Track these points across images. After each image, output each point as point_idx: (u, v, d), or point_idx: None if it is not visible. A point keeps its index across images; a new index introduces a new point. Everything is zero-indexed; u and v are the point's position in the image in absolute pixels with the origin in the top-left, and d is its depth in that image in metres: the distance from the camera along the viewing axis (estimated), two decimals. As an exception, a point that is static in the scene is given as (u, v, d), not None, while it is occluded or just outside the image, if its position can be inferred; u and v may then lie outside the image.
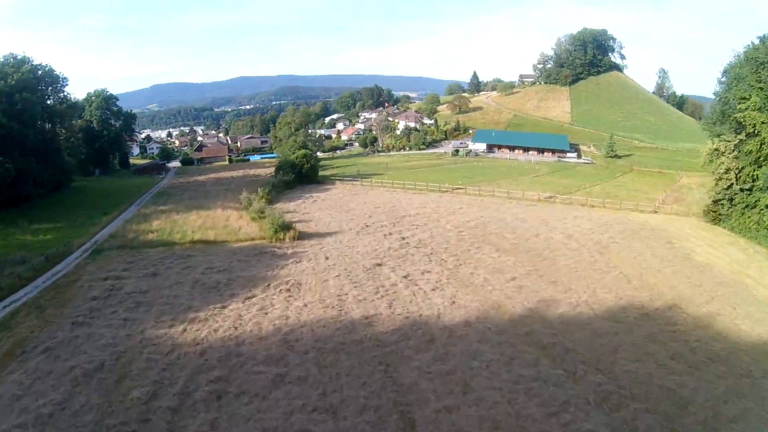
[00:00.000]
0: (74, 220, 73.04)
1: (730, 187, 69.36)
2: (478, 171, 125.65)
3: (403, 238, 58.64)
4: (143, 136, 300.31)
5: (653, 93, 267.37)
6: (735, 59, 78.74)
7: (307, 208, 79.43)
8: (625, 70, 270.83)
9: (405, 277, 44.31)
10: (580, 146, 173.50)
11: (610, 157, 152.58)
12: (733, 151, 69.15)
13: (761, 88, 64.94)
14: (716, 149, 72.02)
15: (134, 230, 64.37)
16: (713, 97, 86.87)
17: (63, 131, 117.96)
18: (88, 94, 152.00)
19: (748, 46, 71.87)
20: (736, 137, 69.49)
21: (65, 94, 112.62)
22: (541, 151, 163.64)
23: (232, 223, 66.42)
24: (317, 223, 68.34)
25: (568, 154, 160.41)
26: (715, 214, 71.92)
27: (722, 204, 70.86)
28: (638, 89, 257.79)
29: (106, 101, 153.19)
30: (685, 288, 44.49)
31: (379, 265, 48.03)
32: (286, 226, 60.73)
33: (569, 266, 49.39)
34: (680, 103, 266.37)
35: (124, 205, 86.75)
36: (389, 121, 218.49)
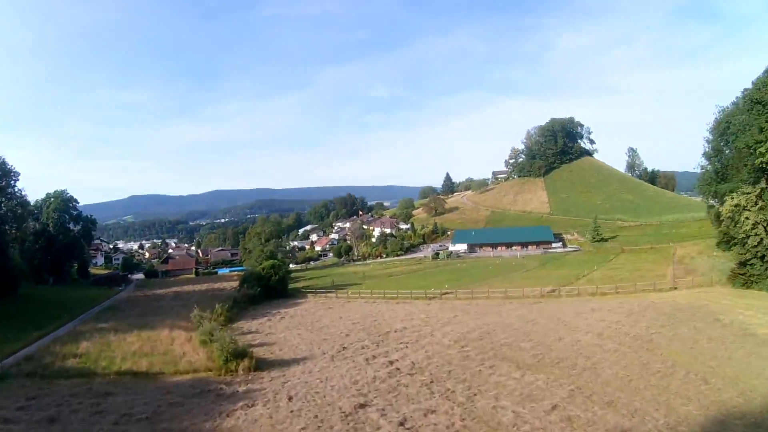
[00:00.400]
0: (1, 333, 60.02)
1: (759, 243, 63.77)
2: (463, 272, 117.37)
3: (392, 362, 44.30)
4: (111, 246, 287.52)
5: (625, 172, 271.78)
6: (721, 115, 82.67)
7: (273, 327, 66.06)
8: (595, 154, 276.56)
9: (402, 424, 29.43)
10: (564, 235, 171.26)
11: (597, 241, 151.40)
12: (757, 202, 64.69)
13: None
14: (737, 205, 66.80)
15: (56, 352, 50.56)
16: (700, 163, 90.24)
17: (13, 232, 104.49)
18: (46, 194, 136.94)
19: (745, 90, 71.46)
20: (755, 187, 65.53)
21: (16, 190, 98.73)
22: (524, 245, 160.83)
23: (177, 348, 52.07)
24: (282, 346, 54.57)
25: (553, 245, 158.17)
26: (744, 277, 66.26)
27: (752, 264, 65.17)
28: (611, 170, 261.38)
29: (65, 203, 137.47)
30: None
31: (362, 405, 33.21)
32: (240, 354, 46.52)
33: (619, 376, 36.60)
34: (652, 178, 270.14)
35: (65, 319, 73.61)
36: (364, 229, 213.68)
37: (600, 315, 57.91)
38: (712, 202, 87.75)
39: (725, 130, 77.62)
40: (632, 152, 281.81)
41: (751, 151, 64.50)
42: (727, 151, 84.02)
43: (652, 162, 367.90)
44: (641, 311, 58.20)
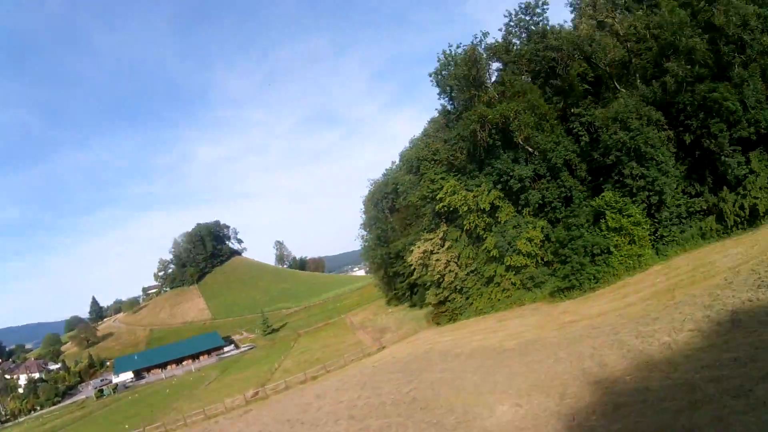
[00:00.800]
0: None
1: (455, 278, 67.54)
2: (140, 404, 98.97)
3: None
4: None
5: (276, 264, 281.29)
6: (374, 187, 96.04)
7: None
8: (245, 253, 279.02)
9: None
10: (233, 336, 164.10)
11: (269, 333, 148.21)
12: (443, 244, 68.59)
13: (443, 178, 67.52)
14: (425, 251, 70.12)
15: None
16: (360, 233, 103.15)
17: None
18: None
19: (394, 162, 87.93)
20: (438, 232, 69.36)
21: None
22: (196, 357, 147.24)
23: None
24: None
25: (226, 348, 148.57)
26: (448, 313, 69.23)
27: (452, 299, 68.71)
28: (263, 265, 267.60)
29: None
30: (590, 362, 33.72)
31: None
32: None
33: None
34: (302, 264, 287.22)
35: None
36: (7, 379, 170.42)
37: (332, 398, 50.16)
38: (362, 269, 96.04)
39: (393, 190, 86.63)
40: (279, 245, 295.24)
41: (428, 200, 69.03)
42: (379, 216, 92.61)
43: (300, 251, 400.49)
44: (372, 378, 52.85)
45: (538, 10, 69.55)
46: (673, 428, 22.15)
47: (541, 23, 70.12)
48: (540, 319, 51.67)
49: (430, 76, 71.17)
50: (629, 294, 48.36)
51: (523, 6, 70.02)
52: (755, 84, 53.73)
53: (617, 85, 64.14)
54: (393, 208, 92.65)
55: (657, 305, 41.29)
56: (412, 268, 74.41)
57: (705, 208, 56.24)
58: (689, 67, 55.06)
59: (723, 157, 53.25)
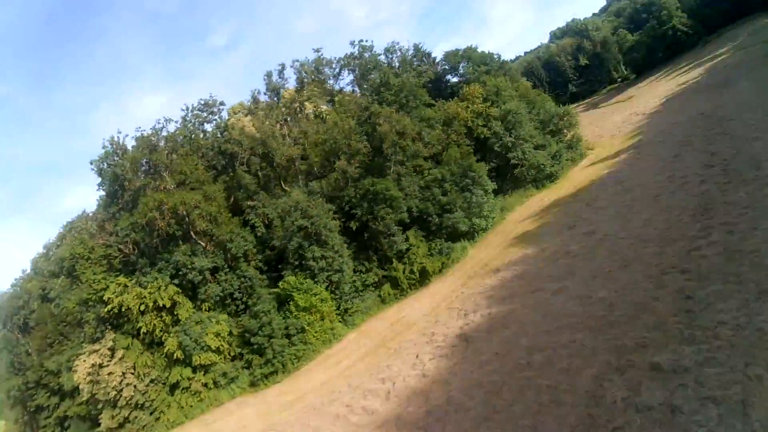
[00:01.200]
0: None
1: (135, 390, 59.04)
2: None
3: None
4: None
5: None
6: (23, 276, 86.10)
7: None
8: None
9: None
10: None
11: None
12: (114, 355, 60.31)
13: (105, 278, 63.23)
14: (93, 364, 59.85)
15: None
16: None
17: None
18: None
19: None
20: (106, 341, 61.40)
21: None
22: None
23: None
24: None
25: None
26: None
27: (135, 419, 58.90)
28: None
29: None
30: (357, 417, 33.77)
31: None
32: None
33: None
34: None
35: None
36: None
37: None
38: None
39: (40, 296, 75.91)
40: None
41: (91, 305, 61.12)
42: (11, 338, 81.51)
43: None
44: None
45: (215, 109, 74.38)
46: (500, 413, 23.67)
47: (215, 121, 74.95)
48: (256, 409, 48.64)
49: (92, 163, 65.52)
50: (342, 360, 49.41)
51: (202, 103, 73.85)
52: (409, 178, 64.45)
53: (282, 184, 69.68)
54: (27, 327, 77.63)
55: (380, 357, 43.33)
56: (80, 387, 61.06)
57: (377, 279, 62.83)
58: (355, 165, 63.01)
59: (388, 237, 60.96)
